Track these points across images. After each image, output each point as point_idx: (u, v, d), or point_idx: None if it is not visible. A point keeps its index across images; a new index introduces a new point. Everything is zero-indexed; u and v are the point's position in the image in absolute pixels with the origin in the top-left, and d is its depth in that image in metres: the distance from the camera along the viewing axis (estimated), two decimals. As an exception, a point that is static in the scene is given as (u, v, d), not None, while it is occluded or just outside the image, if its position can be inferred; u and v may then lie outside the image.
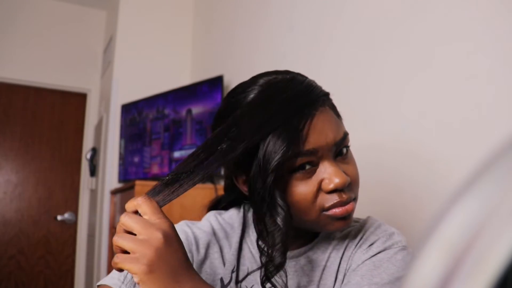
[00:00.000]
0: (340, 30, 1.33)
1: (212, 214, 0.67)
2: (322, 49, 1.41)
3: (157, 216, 0.46)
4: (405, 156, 1.03)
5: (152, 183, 2.04)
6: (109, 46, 2.87)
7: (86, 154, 2.93)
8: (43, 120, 3.00)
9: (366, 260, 0.55)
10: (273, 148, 0.50)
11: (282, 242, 0.50)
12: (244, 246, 0.63)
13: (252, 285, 0.58)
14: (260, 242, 0.54)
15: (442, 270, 0.15)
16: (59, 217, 2.91)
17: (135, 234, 0.45)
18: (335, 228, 0.55)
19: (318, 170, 0.53)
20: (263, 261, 0.52)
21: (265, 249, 0.52)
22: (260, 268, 0.54)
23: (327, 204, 0.52)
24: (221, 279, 0.58)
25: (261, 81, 0.55)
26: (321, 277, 0.59)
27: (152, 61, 2.65)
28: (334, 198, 0.52)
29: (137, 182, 1.84)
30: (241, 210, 0.65)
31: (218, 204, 0.70)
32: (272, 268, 0.51)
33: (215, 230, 0.64)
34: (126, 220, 0.46)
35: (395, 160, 1.06)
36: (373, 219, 0.63)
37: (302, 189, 0.52)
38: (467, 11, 0.89)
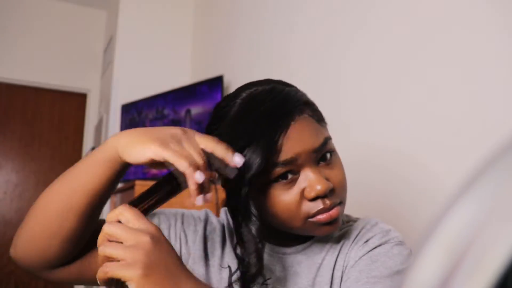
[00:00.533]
0: (340, 30, 1.33)
1: (224, 210, 0.70)
2: (322, 49, 1.41)
3: (141, 221, 0.45)
4: (404, 156, 1.03)
5: (151, 183, 2.03)
6: (109, 46, 2.87)
7: (86, 154, 2.93)
8: (43, 120, 3.00)
9: (363, 255, 0.56)
10: (249, 161, 0.50)
11: (256, 251, 0.51)
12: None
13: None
14: (238, 251, 0.55)
15: (442, 270, 0.15)
16: (59, 217, 2.91)
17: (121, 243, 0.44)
18: (323, 233, 0.55)
19: (300, 178, 0.53)
20: (241, 269, 0.53)
21: (243, 256, 0.53)
22: (240, 276, 0.54)
23: (312, 212, 0.53)
24: (229, 267, 0.59)
25: (243, 94, 0.56)
26: (316, 274, 0.59)
27: (152, 61, 2.65)
28: (317, 205, 0.53)
29: (137, 182, 1.84)
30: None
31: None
32: (249, 277, 0.52)
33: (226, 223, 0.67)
34: (110, 229, 0.44)
35: (393, 161, 1.06)
36: (370, 218, 0.63)
37: (285, 198, 0.53)
38: (467, 11, 0.89)
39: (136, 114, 2.41)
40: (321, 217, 0.53)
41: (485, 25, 0.85)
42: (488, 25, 0.84)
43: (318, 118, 0.56)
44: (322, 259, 0.60)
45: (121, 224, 0.45)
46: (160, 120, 2.27)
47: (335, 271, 0.58)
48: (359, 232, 0.60)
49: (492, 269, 0.14)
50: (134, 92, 2.49)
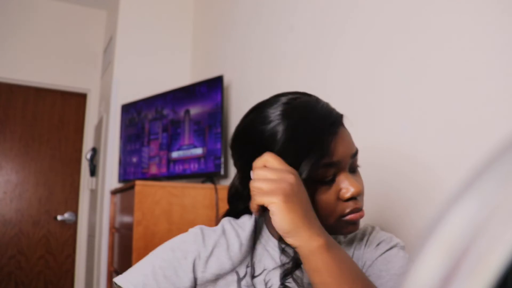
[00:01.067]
0: (340, 31, 1.33)
1: (226, 220, 0.71)
2: (322, 49, 1.41)
3: (285, 165, 0.55)
4: (404, 157, 1.03)
5: (152, 183, 2.04)
6: (109, 46, 2.87)
7: (86, 154, 2.93)
8: (43, 120, 3.00)
9: (378, 257, 0.64)
10: (304, 162, 0.57)
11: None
12: (258, 246, 0.67)
13: (269, 279, 0.63)
14: (281, 243, 0.61)
15: (442, 270, 0.15)
16: (59, 217, 2.91)
17: None
18: (348, 231, 0.63)
19: (336, 181, 0.61)
20: (283, 260, 0.60)
21: (286, 249, 0.60)
22: (281, 265, 0.61)
23: (346, 211, 0.60)
24: (237, 272, 0.63)
25: (282, 107, 0.62)
26: None
27: (152, 61, 2.65)
28: (351, 205, 0.61)
29: (137, 182, 1.85)
30: (253, 215, 0.69)
31: (231, 214, 0.74)
32: (292, 266, 0.59)
33: (225, 231, 0.68)
34: (260, 172, 0.54)
35: (395, 161, 1.06)
36: (371, 226, 0.72)
37: (324, 197, 0.60)
38: (467, 13, 0.89)
39: (136, 114, 2.41)
40: (353, 216, 0.61)
41: (484, 25, 0.85)
42: (487, 25, 0.84)
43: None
44: None
45: (269, 167, 0.55)
46: (159, 120, 2.28)
47: None
48: (368, 237, 0.69)
49: (492, 269, 0.14)
50: (134, 92, 2.49)
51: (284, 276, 0.59)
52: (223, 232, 0.67)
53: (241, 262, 0.64)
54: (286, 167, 0.55)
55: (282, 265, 0.61)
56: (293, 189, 0.52)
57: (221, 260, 0.63)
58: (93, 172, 2.84)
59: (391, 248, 0.65)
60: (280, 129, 0.60)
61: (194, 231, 0.67)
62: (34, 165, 2.92)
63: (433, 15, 0.98)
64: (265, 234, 0.67)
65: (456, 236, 0.16)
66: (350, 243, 0.69)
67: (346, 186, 0.60)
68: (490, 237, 0.15)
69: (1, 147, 2.86)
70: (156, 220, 1.83)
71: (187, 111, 2.14)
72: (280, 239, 0.60)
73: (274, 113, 0.62)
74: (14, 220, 2.81)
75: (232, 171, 2.03)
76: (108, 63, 2.83)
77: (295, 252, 0.56)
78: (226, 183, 2.08)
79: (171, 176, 2.16)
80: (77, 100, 3.12)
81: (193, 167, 2.06)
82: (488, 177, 0.16)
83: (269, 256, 0.65)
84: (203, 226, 0.69)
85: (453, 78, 0.91)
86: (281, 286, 0.60)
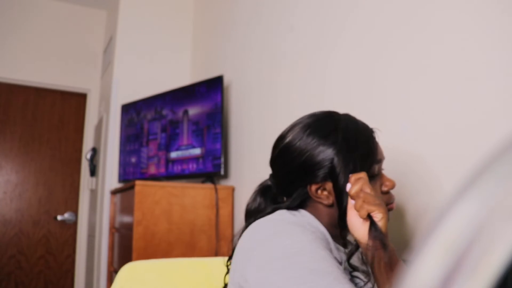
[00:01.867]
0: (340, 31, 1.33)
1: (292, 214, 0.74)
2: (322, 50, 1.41)
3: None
4: (403, 157, 1.03)
5: (152, 183, 2.04)
6: (109, 46, 2.87)
7: (86, 154, 2.93)
8: (43, 120, 3.00)
9: None
10: (362, 160, 0.71)
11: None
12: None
13: (346, 266, 0.71)
14: (342, 239, 0.75)
15: (442, 270, 0.15)
16: (59, 217, 2.91)
17: None
18: None
19: (379, 176, 0.75)
20: (350, 248, 0.70)
21: (347, 243, 0.76)
22: (351, 253, 0.70)
23: (388, 201, 0.75)
24: (335, 258, 0.68)
25: (342, 124, 0.75)
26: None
27: (152, 61, 2.65)
28: (389, 197, 0.76)
29: (137, 182, 1.85)
30: (305, 212, 0.75)
31: (262, 210, 0.79)
32: (355, 248, 0.69)
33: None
34: (367, 187, 0.67)
35: (394, 161, 1.06)
36: None
37: (374, 190, 0.70)
38: (467, 13, 0.89)
39: (135, 115, 2.41)
40: (392, 205, 0.77)
41: (483, 25, 0.85)
42: (487, 25, 0.84)
43: None
44: None
45: (367, 192, 0.66)
46: (158, 121, 2.29)
47: None
48: None
49: (492, 269, 0.14)
50: (134, 92, 2.49)
51: (350, 256, 0.69)
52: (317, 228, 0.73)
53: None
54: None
55: (350, 252, 0.70)
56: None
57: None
58: (93, 172, 2.84)
59: None
60: (337, 138, 0.72)
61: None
62: (34, 165, 2.92)
63: (433, 15, 0.98)
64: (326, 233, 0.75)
65: (456, 236, 0.16)
66: None
67: (386, 180, 0.75)
68: (490, 237, 0.15)
69: (1, 147, 2.86)
70: (156, 220, 1.83)
71: (186, 112, 2.15)
72: (338, 236, 0.74)
73: (328, 127, 0.74)
74: (14, 220, 2.81)
75: (232, 171, 2.03)
76: (108, 63, 2.83)
77: (355, 241, 0.68)
78: (226, 183, 2.08)
79: (170, 176, 2.16)
80: (77, 100, 3.12)
81: (192, 167, 2.06)
82: (488, 177, 0.16)
83: (336, 249, 0.73)
84: (306, 224, 0.72)
85: (453, 78, 0.91)
86: (347, 264, 0.69)
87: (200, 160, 2.03)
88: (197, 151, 2.06)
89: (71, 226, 2.98)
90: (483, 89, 0.84)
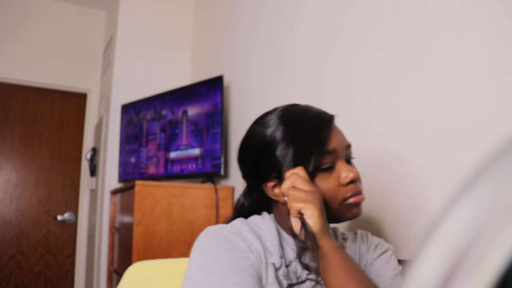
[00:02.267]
0: (339, 31, 1.33)
1: (242, 222, 0.72)
2: (322, 49, 1.41)
3: (311, 183, 0.66)
4: (403, 157, 1.03)
5: (152, 183, 2.03)
6: (109, 46, 2.87)
7: (86, 154, 2.93)
8: (43, 120, 3.00)
9: (377, 257, 0.76)
10: (305, 152, 0.66)
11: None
12: (283, 243, 0.72)
13: (297, 269, 0.68)
14: (296, 240, 0.68)
15: (442, 270, 0.15)
16: (59, 217, 2.91)
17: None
18: (351, 215, 0.70)
19: (335, 168, 0.69)
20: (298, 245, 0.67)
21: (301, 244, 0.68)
22: (299, 252, 0.66)
23: (348, 194, 0.68)
24: (273, 264, 0.66)
25: (280, 113, 0.72)
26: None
27: (152, 61, 2.65)
28: (352, 189, 0.68)
29: (137, 182, 1.85)
30: (266, 215, 0.74)
31: (240, 213, 0.77)
32: (304, 248, 0.66)
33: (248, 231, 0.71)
34: (298, 182, 0.65)
35: (394, 161, 1.06)
36: (364, 232, 0.82)
37: (326, 184, 0.68)
38: (468, 13, 0.89)
39: (135, 115, 2.42)
40: (355, 199, 0.68)
41: (484, 25, 0.85)
42: (487, 25, 0.84)
43: None
44: None
45: (298, 188, 0.64)
46: (157, 121, 2.29)
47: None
48: (366, 239, 0.80)
49: (492, 269, 0.14)
50: (134, 92, 2.49)
51: (300, 257, 0.66)
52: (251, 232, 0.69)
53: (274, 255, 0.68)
54: (312, 186, 0.65)
55: (299, 256, 0.67)
56: (321, 201, 0.64)
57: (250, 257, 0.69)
58: (93, 172, 2.84)
59: (386, 251, 0.77)
60: (280, 130, 0.69)
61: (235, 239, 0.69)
62: (34, 165, 2.92)
63: (432, 15, 0.98)
64: (281, 232, 0.73)
65: (456, 236, 0.16)
66: (354, 242, 0.80)
67: (345, 171, 0.68)
68: (490, 237, 0.15)
69: (1, 147, 2.86)
70: (156, 220, 1.83)
71: (185, 112, 2.15)
72: (294, 236, 0.67)
73: (273, 119, 0.71)
74: (14, 220, 2.81)
75: (232, 171, 2.03)
76: (108, 63, 2.83)
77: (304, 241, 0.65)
78: (226, 183, 2.08)
79: (169, 176, 2.16)
80: (77, 100, 3.12)
81: (191, 167, 2.07)
82: (488, 177, 0.16)
83: (290, 249, 0.70)
84: (236, 231, 0.69)
85: (453, 78, 0.91)
86: (307, 275, 0.67)
87: (199, 160, 2.03)
88: (196, 151, 2.06)
89: (71, 226, 2.97)
90: (482, 89, 0.84)
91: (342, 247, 0.65)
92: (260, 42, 1.85)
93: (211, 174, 1.98)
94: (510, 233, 0.14)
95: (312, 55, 1.46)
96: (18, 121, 2.92)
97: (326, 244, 0.62)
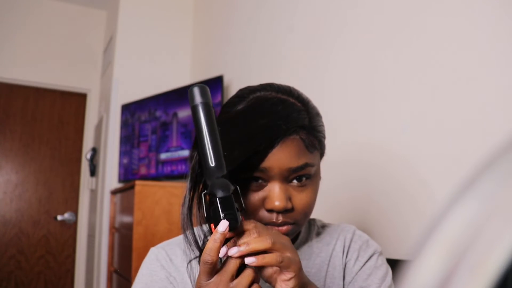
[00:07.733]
0: (339, 31, 1.33)
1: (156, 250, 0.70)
2: (322, 50, 1.41)
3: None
4: (402, 157, 1.03)
5: (152, 183, 2.03)
6: (109, 46, 2.87)
7: (86, 154, 2.93)
8: (43, 120, 3.00)
9: (358, 271, 0.66)
10: (236, 153, 0.55)
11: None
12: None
13: None
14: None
15: (442, 270, 0.15)
16: (59, 217, 2.91)
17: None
18: None
19: (267, 187, 0.58)
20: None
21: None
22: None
23: (264, 221, 0.57)
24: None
25: (251, 97, 0.63)
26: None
27: (152, 61, 2.65)
28: (270, 218, 0.57)
29: (137, 182, 1.85)
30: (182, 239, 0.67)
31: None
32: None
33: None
34: (280, 242, 0.51)
35: (393, 161, 1.06)
36: (347, 227, 0.72)
37: (251, 198, 0.58)
38: (468, 14, 0.89)
39: (129, 116, 2.44)
40: (276, 228, 0.57)
41: (483, 25, 0.85)
42: (486, 26, 0.84)
43: (309, 143, 0.59)
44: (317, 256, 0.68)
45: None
46: (149, 123, 2.33)
47: (330, 268, 0.68)
48: (344, 243, 0.69)
49: (492, 269, 0.14)
50: (134, 92, 2.49)
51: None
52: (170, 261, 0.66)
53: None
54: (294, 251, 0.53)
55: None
56: (300, 268, 0.52)
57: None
58: (93, 172, 2.84)
59: (370, 257, 0.67)
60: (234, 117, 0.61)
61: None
62: (34, 165, 2.92)
63: (432, 15, 0.98)
64: None
65: (456, 236, 0.16)
66: (324, 244, 0.70)
67: (271, 197, 0.56)
68: (490, 237, 0.15)
69: (1, 147, 2.86)
70: (156, 220, 1.83)
71: (175, 114, 2.19)
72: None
73: (239, 106, 0.62)
74: (14, 220, 2.81)
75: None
76: (108, 63, 2.83)
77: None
78: (226, 183, 2.08)
79: (159, 177, 2.22)
80: (77, 100, 3.12)
81: (181, 168, 2.12)
82: (488, 177, 0.16)
83: None
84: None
85: (453, 78, 0.91)
86: None
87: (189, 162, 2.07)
88: (186, 152, 2.10)
89: (71, 226, 2.97)
90: (482, 89, 0.84)
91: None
92: (260, 42, 1.85)
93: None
94: (510, 233, 0.14)
95: (312, 55, 1.46)
96: (18, 121, 2.92)
97: None
